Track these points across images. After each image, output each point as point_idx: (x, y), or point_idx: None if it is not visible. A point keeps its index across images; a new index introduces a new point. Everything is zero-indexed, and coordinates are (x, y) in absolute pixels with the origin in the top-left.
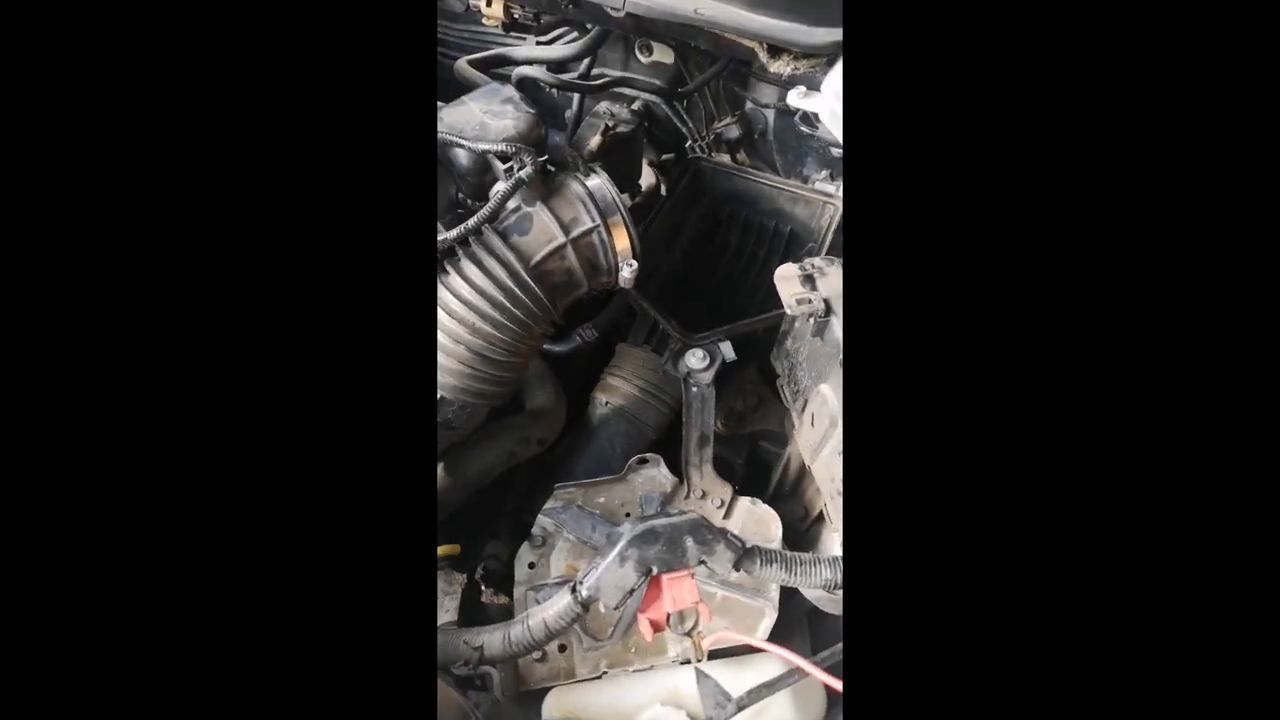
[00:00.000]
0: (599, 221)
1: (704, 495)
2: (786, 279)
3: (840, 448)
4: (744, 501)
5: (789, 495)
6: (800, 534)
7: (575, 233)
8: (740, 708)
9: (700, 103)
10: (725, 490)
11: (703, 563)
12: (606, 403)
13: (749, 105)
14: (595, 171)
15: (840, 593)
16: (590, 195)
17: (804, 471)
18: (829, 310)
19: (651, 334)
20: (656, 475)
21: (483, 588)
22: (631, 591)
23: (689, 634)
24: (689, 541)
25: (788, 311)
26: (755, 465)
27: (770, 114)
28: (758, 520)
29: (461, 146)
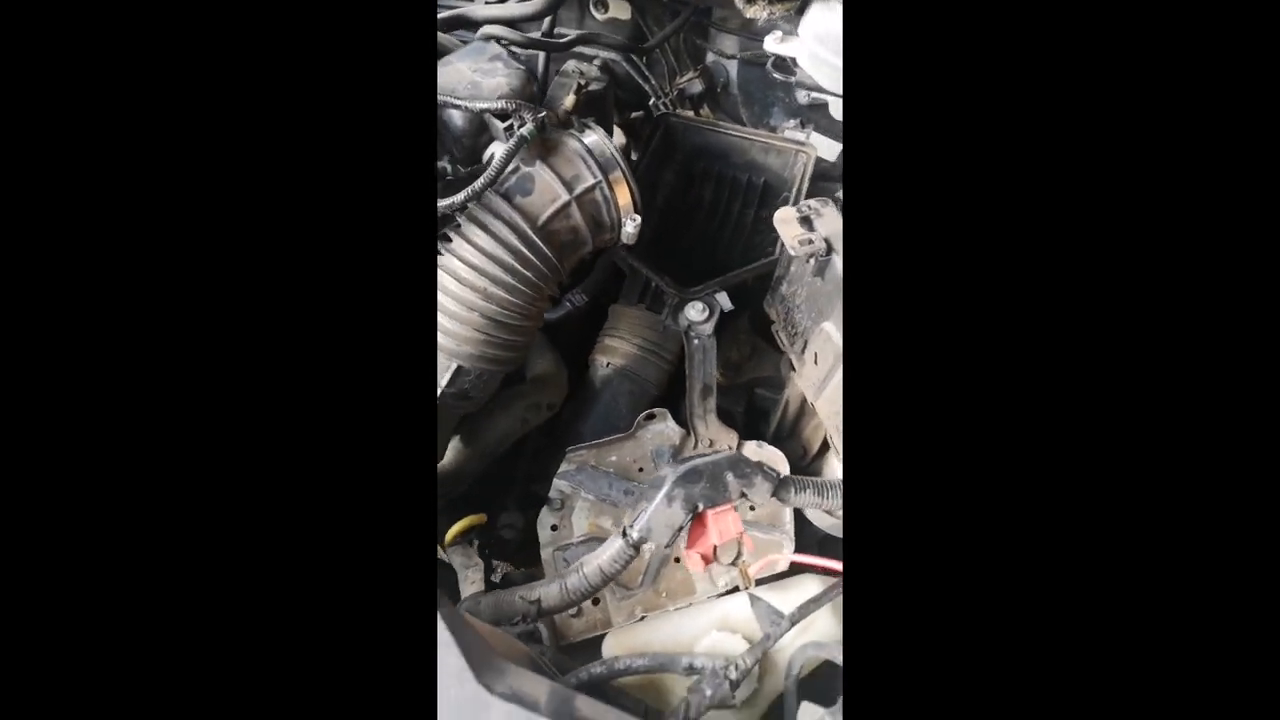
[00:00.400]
0: (600, 177)
1: (711, 444)
2: (786, 221)
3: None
4: (750, 445)
5: (788, 437)
6: (802, 471)
7: (578, 190)
8: (793, 623)
9: (662, 58)
10: (731, 437)
11: (744, 495)
12: (607, 364)
13: (711, 58)
14: (590, 127)
15: None
16: (589, 151)
17: (801, 413)
18: (830, 249)
19: (644, 293)
20: (664, 429)
21: (491, 563)
22: (680, 529)
23: (734, 563)
24: (730, 476)
25: (790, 252)
26: (753, 412)
27: (733, 66)
28: (766, 461)
29: (458, 108)
